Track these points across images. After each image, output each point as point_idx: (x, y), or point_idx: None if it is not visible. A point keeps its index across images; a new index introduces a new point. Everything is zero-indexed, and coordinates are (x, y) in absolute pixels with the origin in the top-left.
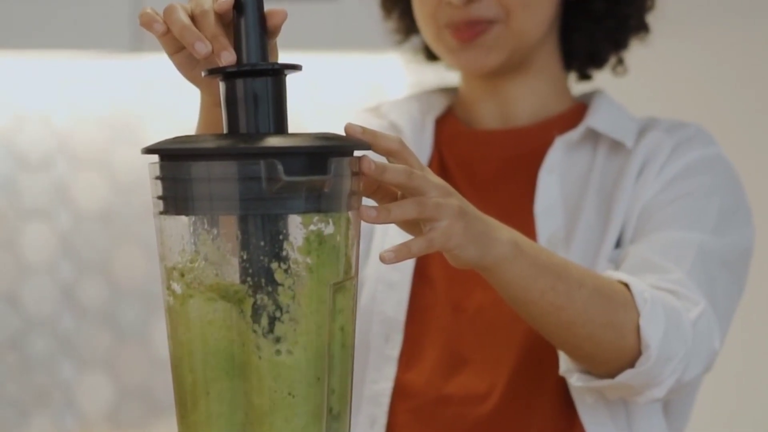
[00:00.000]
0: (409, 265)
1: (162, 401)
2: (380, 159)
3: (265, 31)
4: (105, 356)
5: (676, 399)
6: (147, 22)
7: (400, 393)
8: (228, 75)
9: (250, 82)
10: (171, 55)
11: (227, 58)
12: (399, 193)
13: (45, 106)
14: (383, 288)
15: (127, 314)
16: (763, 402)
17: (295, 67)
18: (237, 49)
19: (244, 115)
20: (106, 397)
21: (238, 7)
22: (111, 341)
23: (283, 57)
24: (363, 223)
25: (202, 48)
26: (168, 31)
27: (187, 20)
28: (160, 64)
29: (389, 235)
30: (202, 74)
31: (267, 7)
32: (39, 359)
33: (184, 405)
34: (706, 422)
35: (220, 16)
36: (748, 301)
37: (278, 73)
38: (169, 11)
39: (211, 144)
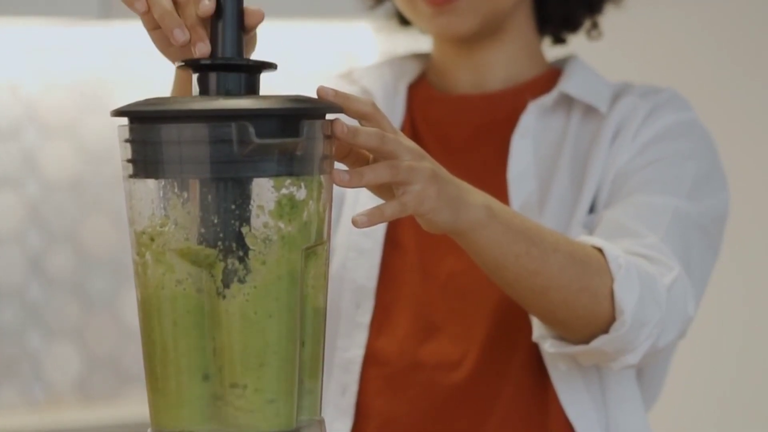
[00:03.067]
0: (380, 232)
1: (131, 371)
2: (353, 123)
3: (243, 28)
4: (73, 326)
5: (650, 366)
6: (129, 0)
7: (371, 360)
8: (202, 67)
9: (223, 77)
10: (149, 30)
11: (202, 49)
12: (371, 157)
13: (13, 75)
14: (354, 255)
15: (95, 284)
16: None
17: (271, 66)
18: (213, 42)
19: None
20: (75, 367)
21: (217, 5)
22: (79, 311)
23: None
24: (334, 189)
25: (180, 36)
26: (149, 10)
27: (169, 5)
28: (129, 32)
29: (360, 202)
30: (176, 65)
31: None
32: (7, 329)
33: (154, 372)
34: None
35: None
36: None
37: (252, 69)
38: None
39: (181, 106)
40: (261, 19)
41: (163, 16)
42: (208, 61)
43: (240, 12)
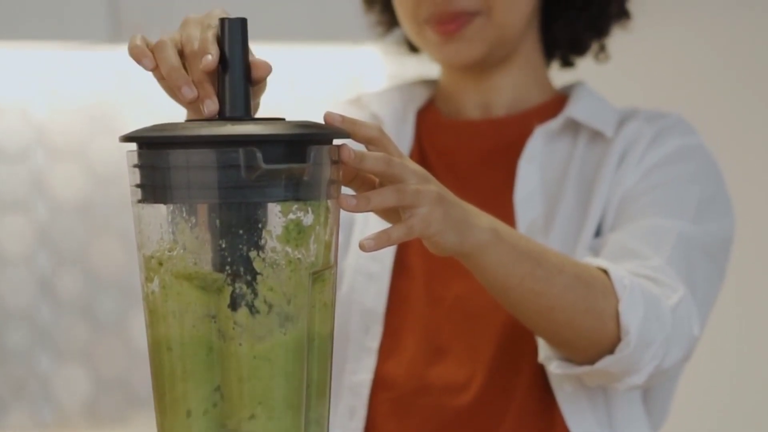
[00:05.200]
0: (388, 256)
1: (140, 393)
2: (360, 147)
3: (250, 83)
4: (82, 348)
5: (656, 388)
6: (136, 56)
7: (379, 384)
8: None
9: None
10: (159, 80)
11: (210, 107)
12: (377, 181)
13: (22, 98)
14: (363, 279)
15: (104, 306)
16: (756, 400)
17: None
18: (220, 98)
19: None
20: (84, 389)
21: (223, 61)
22: (88, 333)
23: (263, 49)
24: (343, 214)
25: (189, 93)
26: (157, 67)
27: (176, 61)
28: (141, 67)
29: (369, 226)
30: (185, 121)
31: (250, 6)
32: (16, 351)
33: (162, 395)
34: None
35: None
36: (745, 301)
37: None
38: (159, 47)
39: (189, 132)
40: (268, 72)
41: (170, 72)
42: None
43: (246, 66)
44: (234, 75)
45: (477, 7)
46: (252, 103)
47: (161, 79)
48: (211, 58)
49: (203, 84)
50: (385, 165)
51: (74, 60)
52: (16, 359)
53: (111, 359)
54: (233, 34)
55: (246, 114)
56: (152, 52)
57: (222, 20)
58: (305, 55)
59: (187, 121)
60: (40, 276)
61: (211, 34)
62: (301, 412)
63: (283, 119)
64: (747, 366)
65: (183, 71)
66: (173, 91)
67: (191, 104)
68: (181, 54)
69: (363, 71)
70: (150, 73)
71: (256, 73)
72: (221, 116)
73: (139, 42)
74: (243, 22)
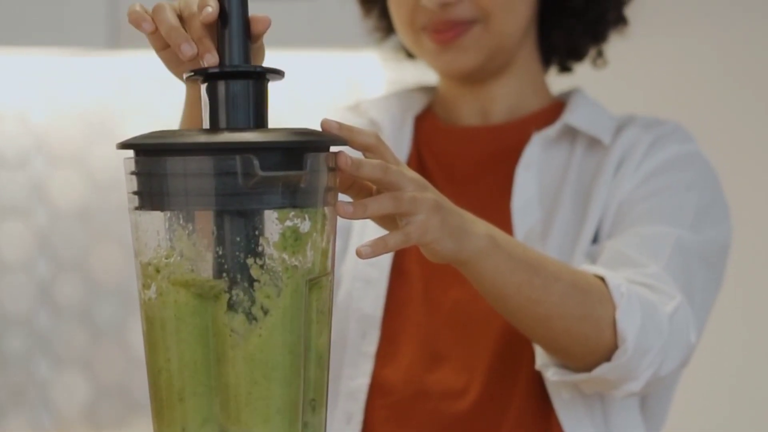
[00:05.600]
0: (386, 261)
1: (139, 399)
2: (357, 154)
3: (249, 36)
4: (81, 354)
5: (653, 395)
6: (135, 20)
7: (376, 389)
8: (210, 76)
9: (231, 84)
10: (158, 51)
11: (210, 60)
12: (375, 188)
13: (22, 104)
14: (360, 285)
15: (103, 312)
16: (755, 407)
17: (278, 72)
18: (220, 52)
19: (225, 118)
20: (83, 396)
21: (223, 15)
22: (87, 339)
23: None
24: (341, 221)
25: (188, 49)
26: (156, 29)
27: (175, 21)
28: (137, 61)
29: (367, 233)
30: (185, 76)
31: (250, 9)
32: (15, 357)
33: (160, 402)
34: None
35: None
36: (743, 307)
37: (260, 76)
38: (157, 10)
39: (186, 139)
40: (267, 26)
41: (169, 32)
42: (215, 70)
43: (245, 20)
44: (233, 28)
45: (474, 15)
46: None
47: (161, 49)
48: (210, 9)
49: (203, 40)
50: (382, 172)
51: (74, 66)
52: (15, 365)
53: (110, 365)
54: None
55: (246, 64)
56: (151, 16)
57: None
58: (304, 60)
59: (187, 73)
60: (39, 282)
61: None
62: (299, 418)
63: (282, 72)
64: (746, 373)
65: (182, 30)
66: (173, 59)
67: (192, 64)
68: (181, 19)
69: (362, 77)
70: (150, 79)
71: (255, 27)
72: (222, 67)
73: (138, 8)
74: None
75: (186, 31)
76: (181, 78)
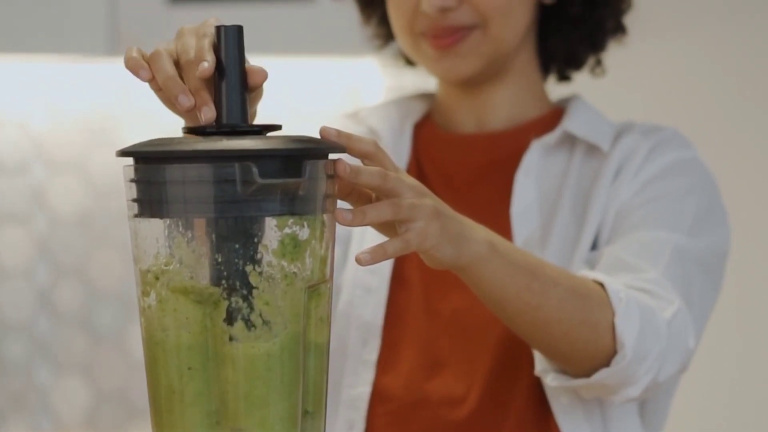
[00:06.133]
0: (386, 269)
1: (138, 405)
2: (355, 162)
3: (246, 89)
4: (81, 360)
5: (652, 400)
6: (133, 67)
7: (377, 397)
8: (207, 134)
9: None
10: (155, 91)
11: (207, 113)
12: (374, 195)
13: (21, 111)
14: (361, 293)
15: (103, 318)
16: (754, 413)
17: (275, 128)
18: (217, 105)
19: None
20: (83, 401)
21: (220, 68)
22: (87, 345)
23: (262, 62)
24: (341, 228)
25: (185, 101)
26: (153, 78)
27: (172, 70)
28: (138, 79)
29: (366, 240)
30: (182, 130)
31: (248, 17)
32: (15, 363)
33: (159, 408)
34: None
35: None
36: (743, 312)
37: (258, 133)
38: (155, 58)
39: (185, 147)
40: (264, 79)
41: (166, 82)
42: (212, 129)
43: (243, 73)
44: (230, 82)
45: (473, 21)
46: (249, 110)
47: (158, 90)
48: (207, 65)
49: (200, 92)
50: (380, 179)
51: (73, 73)
52: (15, 371)
53: (110, 371)
54: (229, 41)
55: (243, 121)
56: (148, 63)
57: (218, 28)
58: (303, 67)
59: (184, 130)
60: (39, 288)
61: (207, 42)
62: (297, 425)
63: (280, 126)
64: (745, 378)
65: (179, 80)
66: (170, 101)
67: (188, 113)
68: (177, 64)
69: (361, 83)
70: (149, 86)
71: (252, 80)
72: (218, 123)
73: (135, 54)
74: (239, 29)
75: (183, 78)
76: (179, 115)
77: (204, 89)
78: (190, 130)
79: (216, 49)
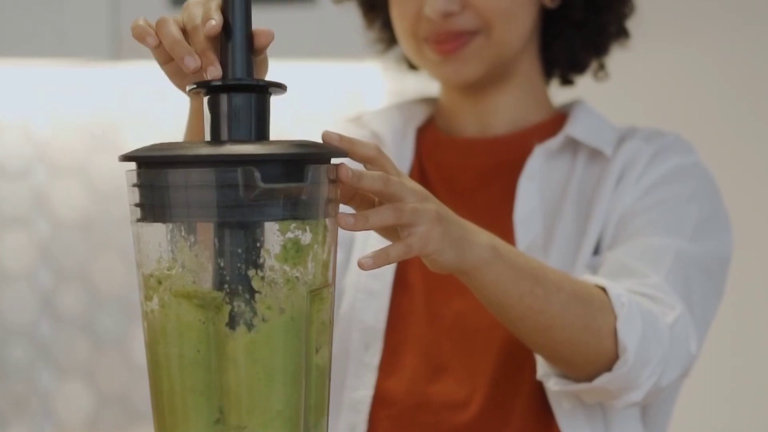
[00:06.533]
0: (389, 273)
1: (140, 409)
2: (358, 166)
3: (252, 49)
4: (83, 364)
5: (655, 405)
6: (139, 35)
7: (380, 400)
8: (212, 89)
9: (233, 97)
10: (162, 64)
11: (213, 72)
12: (376, 199)
13: (24, 115)
14: (363, 297)
15: (105, 322)
16: (756, 418)
17: (280, 86)
18: (224, 65)
19: (227, 131)
20: (85, 405)
21: (226, 28)
22: (89, 349)
23: None
24: (344, 233)
25: (191, 62)
26: (160, 43)
27: (178, 34)
28: (138, 72)
29: (369, 244)
30: (187, 88)
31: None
32: (17, 367)
33: (162, 412)
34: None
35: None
36: (744, 318)
37: (262, 89)
38: (161, 24)
39: (188, 151)
40: (271, 39)
41: (173, 45)
42: (218, 82)
43: (248, 33)
44: (236, 41)
45: (476, 26)
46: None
47: (164, 63)
48: (214, 22)
49: (206, 53)
50: (383, 184)
51: (76, 77)
52: (17, 375)
53: (112, 375)
54: (236, 1)
55: (248, 77)
56: (155, 30)
57: None
58: (306, 71)
59: (190, 86)
60: (41, 292)
61: (214, 5)
62: (300, 428)
63: (285, 86)
64: (747, 383)
65: (185, 43)
66: (176, 73)
67: (195, 77)
68: (184, 31)
69: (364, 87)
70: (152, 90)
71: (258, 41)
72: (225, 80)
73: (141, 22)
74: None
75: (189, 44)
76: (184, 91)
77: (210, 50)
78: (196, 85)
79: (224, 10)
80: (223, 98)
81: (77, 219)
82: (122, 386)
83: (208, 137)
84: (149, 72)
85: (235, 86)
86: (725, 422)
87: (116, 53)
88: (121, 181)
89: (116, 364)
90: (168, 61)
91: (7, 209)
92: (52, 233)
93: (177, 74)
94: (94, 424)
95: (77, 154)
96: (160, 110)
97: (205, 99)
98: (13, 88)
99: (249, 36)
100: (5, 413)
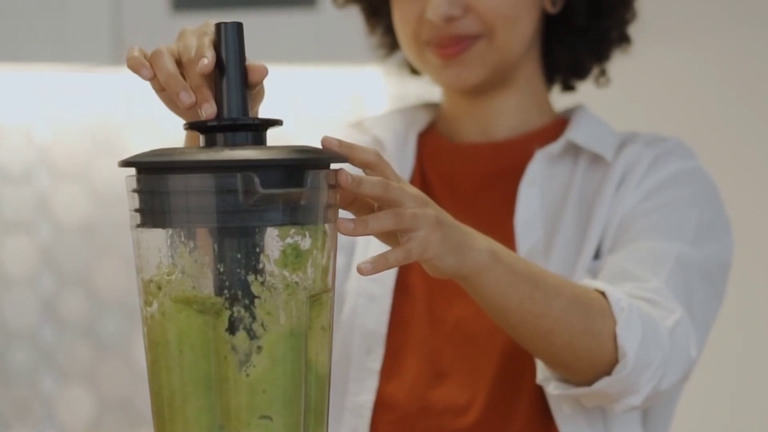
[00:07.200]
0: (390, 278)
1: (143, 413)
2: (357, 171)
3: (246, 85)
4: (86, 369)
5: (655, 409)
6: (134, 66)
7: (381, 405)
8: (209, 129)
9: (229, 137)
10: (157, 92)
11: (208, 110)
12: (376, 205)
13: (26, 119)
14: (365, 301)
15: (107, 327)
16: (758, 417)
17: (276, 123)
18: (218, 102)
19: None
20: (87, 410)
21: (220, 65)
22: (92, 354)
23: None
24: (345, 238)
25: (186, 98)
26: (155, 76)
27: (173, 68)
28: (140, 78)
29: (370, 249)
30: (183, 126)
31: (250, 25)
32: (19, 372)
33: (162, 416)
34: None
35: None
36: (745, 321)
37: (258, 127)
38: (156, 56)
39: (188, 157)
40: (264, 75)
41: (167, 80)
42: (214, 123)
43: (243, 70)
44: (231, 78)
45: (478, 30)
46: (251, 110)
47: (160, 90)
48: (207, 60)
49: (201, 89)
50: (382, 189)
51: (77, 82)
52: (20, 380)
53: (114, 380)
54: (229, 37)
55: (243, 114)
56: (150, 62)
57: (218, 25)
58: (307, 76)
59: (185, 127)
60: (43, 297)
61: (207, 40)
62: None
63: (281, 121)
64: (748, 386)
65: (180, 78)
66: (171, 101)
67: (190, 110)
68: (179, 63)
69: (365, 92)
70: (153, 95)
71: (252, 77)
72: (219, 119)
73: (136, 53)
74: (238, 25)
75: (185, 77)
76: (181, 116)
77: (205, 86)
78: (191, 125)
79: (216, 46)
80: (219, 138)
81: (79, 223)
82: (124, 391)
83: None
84: None
85: (230, 126)
86: (726, 425)
87: (118, 58)
88: (123, 186)
89: (118, 369)
90: (163, 89)
91: (9, 214)
92: (54, 238)
93: (172, 103)
94: (97, 428)
95: (79, 159)
96: (162, 115)
97: (202, 138)
98: (15, 93)
99: (243, 72)
100: (7, 418)
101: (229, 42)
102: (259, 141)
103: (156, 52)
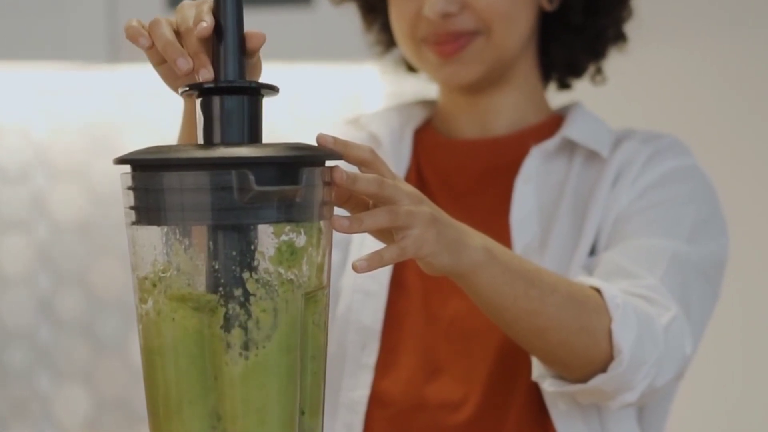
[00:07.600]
0: (385, 274)
1: (140, 412)
2: (352, 169)
3: (244, 52)
4: (83, 368)
5: (650, 406)
6: (132, 36)
7: (376, 401)
8: (204, 91)
9: (225, 100)
10: (155, 65)
11: (205, 74)
12: (371, 202)
13: (23, 118)
14: (360, 297)
15: (104, 326)
16: (756, 414)
17: (272, 88)
18: (216, 67)
19: (219, 133)
20: (84, 409)
21: (218, 30)
22: (89, 353)
23: (263, 68)
24: (341, 235)
25: (184, 64)
26: (153, 45)
27: (171, 36)
28: (137, 76)
29: (366, 246)
30: (180, 91)
31: (246, 23)
32: (17, 371)
33: (157, 415)
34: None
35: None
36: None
37: (254, 91)
38: (154, 25)
39: (182, 154)
40: (262, 41)
41: (165, 47)
42: (210, 84)
43: (240, 35)
44: (228, 44)
45: (475, 27)
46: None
47: (157, 64)
48: (205, 24)
49: (199, 55)
50: (377, 186)
51: (74, 80)
52: (17, 379)
53: (111, 379)
54: (227, 3)
55: (240, 79)
56: (148, 31)
57: None
58: (304, 73)
59: (183, 88)
60: (40, 296)
61: (206, 7)
62: (295, 430)
63: (277, 87)
64: (745, 384)
65: (178, 45)
66: (169, 74)
67: (188, 78)
68: (177, 34)
69: (361, 90)
70: (150, 93)
71: (250, 43)
72: (217, 82)
73: (134, 23)
74: None
75: (182, 46)
76: (178, 92)
77: (203, 52)
78: (188, 88)
79: (215, 13)
80: (216, 100)
81: (76, 222)
82: (122, 390)
83: (201, 139)
84: (147, 75)
85: (227, 88)
86: (723, 422)
87: (114, 56)
88: (120, 185)
89: (116, 368)
90: (161, 62)
91: (7, 213)
92: (52, 237)
93: (170, 76)
94: (94, 427)
95: (76, 158)
96: (159, 113)
97: (198, 101)
98: (12, 91)
99: (241, 38)
100: (5, 417)
101: (228, 8)
102: (255, 107)
103: (154, 21)
